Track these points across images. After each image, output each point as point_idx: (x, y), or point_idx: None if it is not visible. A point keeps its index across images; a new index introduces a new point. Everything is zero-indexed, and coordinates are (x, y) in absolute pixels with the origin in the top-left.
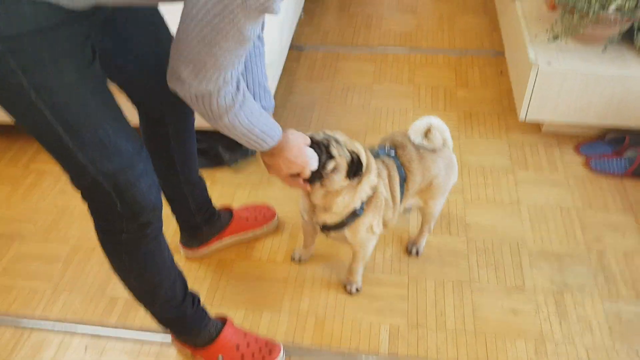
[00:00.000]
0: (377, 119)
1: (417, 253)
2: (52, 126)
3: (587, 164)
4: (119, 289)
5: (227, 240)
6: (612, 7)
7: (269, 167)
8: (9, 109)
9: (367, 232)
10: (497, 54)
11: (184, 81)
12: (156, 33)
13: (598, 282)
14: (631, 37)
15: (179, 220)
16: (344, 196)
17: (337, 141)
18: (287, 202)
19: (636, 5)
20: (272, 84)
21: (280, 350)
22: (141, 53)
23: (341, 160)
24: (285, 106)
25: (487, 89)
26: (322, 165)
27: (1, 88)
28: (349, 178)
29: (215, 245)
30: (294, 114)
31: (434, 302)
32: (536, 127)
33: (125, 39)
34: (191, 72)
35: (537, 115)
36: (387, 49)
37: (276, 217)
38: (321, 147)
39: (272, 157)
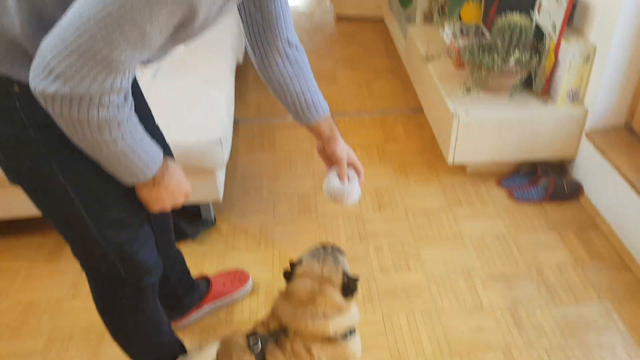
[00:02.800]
0: (323, 180)
1: None
2: (75, 206)
3: (511, 195)
4: None
5: (207, 307)
6: (512, 60)
7: (151, 202)
8: (34, 190)
9: None
10: (415, 111)
11: (59, 77)
12: None
13: (542, 293)
14: (531, 84)
15: (160, 295)
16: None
17: (335, 259)
18: (257, 264)
19: (530, 57)
20: (225, 152)
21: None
22: None
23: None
24: (234, 179)
25: (413, 141)
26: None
27: (33, 170)
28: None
29: (195, 314)
30: (243, 186)
31: (409, 332)
32: (461, 169)
33: None
34: (71, 65)
35: (462, 158)
36: None
37: (250, 279)
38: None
39: (153, 188)
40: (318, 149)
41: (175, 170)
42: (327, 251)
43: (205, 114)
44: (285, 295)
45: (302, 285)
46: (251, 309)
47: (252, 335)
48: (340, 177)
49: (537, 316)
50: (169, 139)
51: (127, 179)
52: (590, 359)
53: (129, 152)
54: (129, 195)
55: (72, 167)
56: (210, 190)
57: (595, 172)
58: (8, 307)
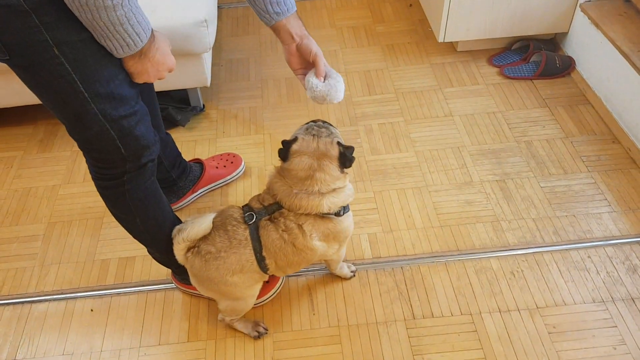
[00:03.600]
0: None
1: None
2: (72, 79)
3: (502, 73)
4: (107, 252)
5: (201, 191)
6: None
7: (137, 74)
8: (31, 66)
9: (345, 238)
10: None
11: None
12: None
13: (531, 167)
14: None
15: None
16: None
17: (329, 133)
18: (248, 147)
19: None
20: (211, 34)
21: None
22: None
23: (332, 152)
24: (219, 64)
25: (401, 21)
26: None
27: (27, 44)
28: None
29: (190, 197)
30: (230, 71)
31: (400, 208)
32: (452, 48)
33: None
34: None
35: (453, 36)
36: None
37: (243, 162)
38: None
39: (139, 60)
40: (287, 58)
41: (162, 43)
42: (319, 125)
43: None
44: (281, 172)
45: (299, 162)
46: (245, 191)
47: (247, 208)
48: (320, 73)
49: (526, 189)
50: (152, 20)
51: (118, 49)
52: (577, 228)
53: (126, 20)
54: (124, 70)
55: (67, 39)
56: (197, 75)
57: (588, 45)
58: (6, 195)
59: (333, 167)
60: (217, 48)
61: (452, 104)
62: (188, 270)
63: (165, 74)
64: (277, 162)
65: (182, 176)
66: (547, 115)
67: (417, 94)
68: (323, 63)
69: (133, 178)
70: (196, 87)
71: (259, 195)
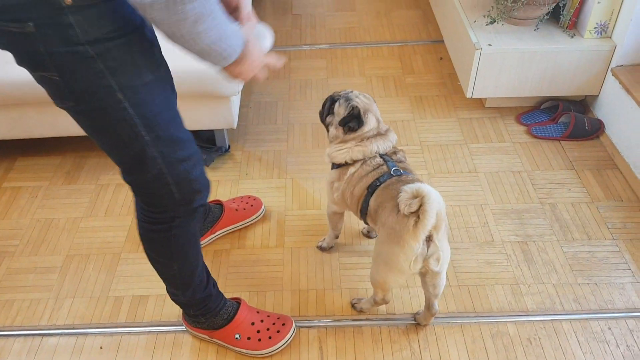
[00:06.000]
0: None
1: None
2: (133, 123)
3: (529, 131)
4: (122, 289)
5: (219, 232)
6: None
7: (236, 76)
8: (94, 111)
9: (329, 187)
10: (435, 42)
11: None
12: None
13: (555, 230)
14: (557, 16)
15: None
16: (333, 146)
17: (347, 99)
18: (269, 191)
19: None
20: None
21: (292, 322)
22: None
23: (339, 111)
24: (248, 106)
25: (431, 74)
26: (323, 118)
27: (93, 90)
28: (342, 127)
29: (209, 238)
30: (258, 113)
31: None
32: (480, 103)
33: None
34: None
35: (481, 92)
36: (335, 45)
37: (263, 206)
38: (328, 101)
39: (238, 65)
40: None
41: (255, 45)
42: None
43: None
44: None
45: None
46: (262, 234)
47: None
48: (244, 17)
49: (548, 253)
50: (183, 63)
51: (220, 63)
52: (599, 297)
53: (221, 37)
54: (177, 110)
55: (131, 83)
56: (224, 117)
57: (618, 109)
58: (28, 225)
59: None
60: (247, 90)
61: (477, 160)
62: None
63: (260, 71)
64: (298, 207)
65: (202, 217)
66: (573, 177)
67: (442, 147)
68: (248, 7)
69: (182, 223)
70: (223, 128)
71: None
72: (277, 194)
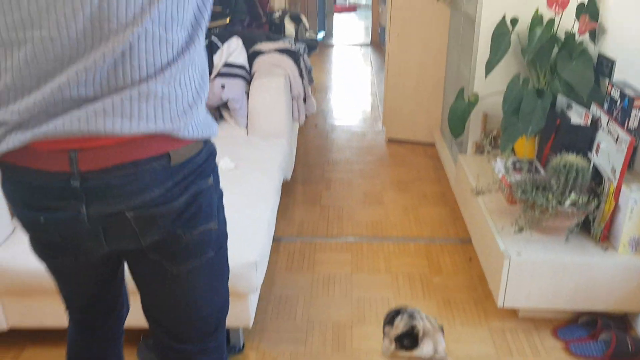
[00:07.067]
0: (361, 310)
1: None
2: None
3: (567, 349)
4: None
5: None
6: (568, 202)
7: None
8: (221, 248)
9: None
10: (464, 242)
11: None
12: None
13: None
14: (588, 227)
15: None
16: None
17: (411, 316)
18: None
19: (588, 200)
20: (259, 276)
21: None
22: None
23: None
24: (269, 299)
25: (460, 275)
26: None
27: (224, 224)
28: (395, 342)
29: None
30: (277, 307)
31: None
32: (513, 313)
33: None
34: None
35: (513, 302)
36: (362, 238)
37: None
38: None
39: None
40: None
41: None
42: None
43: (244, 235)
44: None
45: None
46: None
47: None
48: None
49: None
50: None
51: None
52: None
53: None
54: None
55: (220, 204)
56: (240, 315)
57: None
58: None
59: None
60: (268, 281)
61: None
62: None
63: None
64: None
65: None
66: None
67: None
68: None
69: None
70: (238, 327)
71: None
72: None
